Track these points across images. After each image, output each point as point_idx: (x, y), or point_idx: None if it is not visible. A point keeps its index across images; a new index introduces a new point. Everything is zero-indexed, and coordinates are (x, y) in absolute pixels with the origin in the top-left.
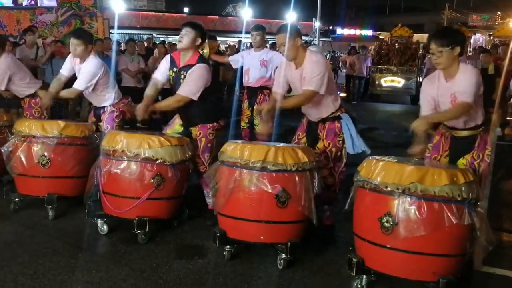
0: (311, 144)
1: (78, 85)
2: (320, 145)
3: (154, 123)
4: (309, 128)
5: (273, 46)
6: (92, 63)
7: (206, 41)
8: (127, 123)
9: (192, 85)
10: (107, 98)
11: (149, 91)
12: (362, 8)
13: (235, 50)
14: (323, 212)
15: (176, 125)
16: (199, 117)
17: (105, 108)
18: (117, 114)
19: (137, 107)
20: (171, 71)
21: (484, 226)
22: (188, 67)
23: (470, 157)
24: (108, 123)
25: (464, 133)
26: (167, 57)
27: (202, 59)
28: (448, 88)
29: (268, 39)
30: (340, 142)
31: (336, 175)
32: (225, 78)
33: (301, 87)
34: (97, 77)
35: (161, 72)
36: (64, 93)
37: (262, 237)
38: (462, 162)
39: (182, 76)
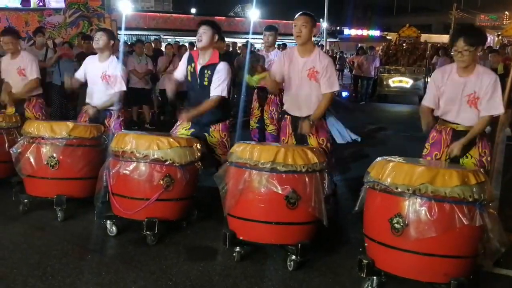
0: (299, 142)
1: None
2: (313, 142)
3: (162, 125)
4: (294, 127)
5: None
6: (120, 64)
7: None
8: (135, 125)
9: (223, 84)
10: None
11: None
12: (369, 8)
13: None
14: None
15: (181, 130)
16: (219, 115)
17: (111, 112)
18: (122, 119)
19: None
20: (189, 66)
21: (496, 227)
22: (212, 66)
23: (477, 154)
24: (116, 129)
25: (465, 127)
26: (185, 55)
27: (223, 56)
28: (461, 83)
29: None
30: (330, 137)
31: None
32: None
33: (299, 76)
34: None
35: (181, 70)
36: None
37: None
38: (471, 162)
39: (206, 75)
